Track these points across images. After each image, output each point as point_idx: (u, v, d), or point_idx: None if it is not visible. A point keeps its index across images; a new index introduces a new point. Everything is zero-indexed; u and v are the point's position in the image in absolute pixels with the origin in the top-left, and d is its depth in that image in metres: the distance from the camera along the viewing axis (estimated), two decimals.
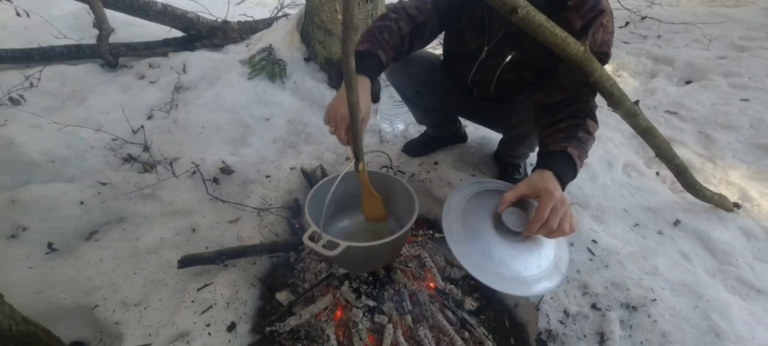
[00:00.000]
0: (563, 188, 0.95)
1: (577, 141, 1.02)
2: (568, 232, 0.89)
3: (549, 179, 0.93)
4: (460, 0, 1.27)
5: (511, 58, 1.22)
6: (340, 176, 1.05)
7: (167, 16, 2.65)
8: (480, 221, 0.99)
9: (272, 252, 1.41)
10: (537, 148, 1.49)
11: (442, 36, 1.46)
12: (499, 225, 0.96)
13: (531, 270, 0.92)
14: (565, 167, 0.98)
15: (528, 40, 1.09)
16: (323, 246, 1.03)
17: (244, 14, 3.31)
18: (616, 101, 1.16)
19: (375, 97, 2.36)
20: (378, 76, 1.17)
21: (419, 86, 1.55)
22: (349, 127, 1.04)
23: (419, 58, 1.49)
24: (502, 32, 1.22)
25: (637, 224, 1.58)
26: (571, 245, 1.42)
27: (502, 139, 1.68)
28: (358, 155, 1.09)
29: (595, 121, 1.09)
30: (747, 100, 2.40)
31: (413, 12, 1.23)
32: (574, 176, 1.00)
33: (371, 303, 1.24)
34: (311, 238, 1.07)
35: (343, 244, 1.02)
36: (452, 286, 1.33)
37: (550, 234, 0.90)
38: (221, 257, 1.32)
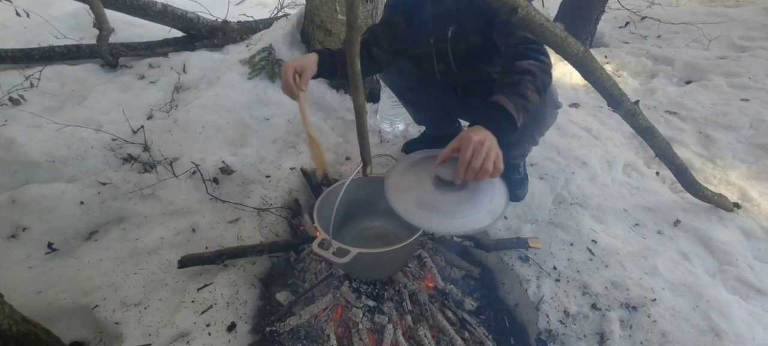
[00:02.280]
0: (500, 137, 0.96)
1: (504, 87, 1.03)
2: (490, 170, 0.92)
3: (473, 129, 0.96)
4: (397, 9, 1.39)
5: (452, 32, 1.29)
6: (347, 182, 1.07)
7: (167, 16, 2.65)
8: (420, 177, 1.07)
9: (272, 252, 1.41)
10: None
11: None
12: (439, 181, 1.02)
13: (459, 214, 0.99)
14: (492, 116, 0.99)
15: (455, 9, 1.21)
16: (333, 253, 1.04)
17: (244, 14, 3.32)
18: (616, 101, 1.17)
19: (375, 97, 2.36)
20: (328, 65, 1.23)
21: (412, 83, 1.59)
22: (295, 70, 1.11)
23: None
24: (431, 15, 1.30)
25: (637, 224, 1.58)
26: (571, 244, 1.42)
27: None
28: (365, 159, 1.10)
29: (529, 58, 1.08)
30: (747, 100, 2.40)
31: (364, 35, 1.39)
32: (509, 120, 0.99)
33: (371, 303, 1.24)
34: (321, 245, 1.08)
35: (354, 250, 1.03)
36: (452, 286, 1.33)
37: (477, 176, 0.93)
38: (221, 257, 1.32)
